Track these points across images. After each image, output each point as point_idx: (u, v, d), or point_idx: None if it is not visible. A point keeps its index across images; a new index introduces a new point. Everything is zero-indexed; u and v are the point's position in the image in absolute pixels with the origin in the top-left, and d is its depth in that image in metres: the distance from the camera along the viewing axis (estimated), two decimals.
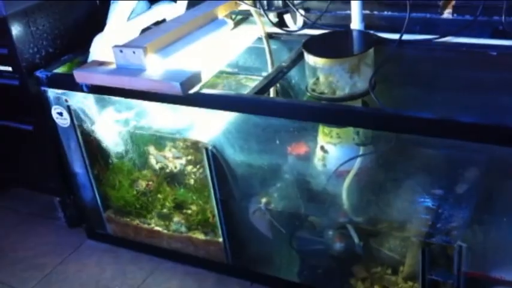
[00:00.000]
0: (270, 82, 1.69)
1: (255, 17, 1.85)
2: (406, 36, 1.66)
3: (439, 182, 1.53)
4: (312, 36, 1.74)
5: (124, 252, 2.09)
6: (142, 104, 1.78)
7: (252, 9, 1.84)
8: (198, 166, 1.85)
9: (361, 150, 1.61)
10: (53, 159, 2.04)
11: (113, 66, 1.70)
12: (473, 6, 1.61)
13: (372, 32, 1.73)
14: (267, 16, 1.86)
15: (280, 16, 1.89)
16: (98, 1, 2.05)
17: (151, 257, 2.04)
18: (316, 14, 1.84)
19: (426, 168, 1.53)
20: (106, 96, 1.81)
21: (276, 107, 1.55)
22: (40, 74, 1.86)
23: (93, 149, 1.97)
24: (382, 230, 1.62)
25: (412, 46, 1.68)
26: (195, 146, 1.78)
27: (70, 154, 2.01)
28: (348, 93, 1.59)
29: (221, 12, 1.83)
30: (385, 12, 1.76)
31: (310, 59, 1.60)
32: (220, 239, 1.87)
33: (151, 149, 1.91)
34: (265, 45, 1.86)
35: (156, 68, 1.63)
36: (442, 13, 1.70)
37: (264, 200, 1.76)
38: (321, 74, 1.61)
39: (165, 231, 1.98)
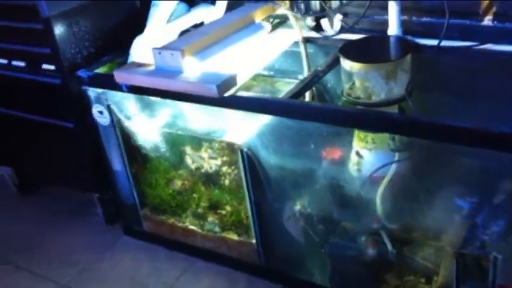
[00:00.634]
0: (305, 86, 1.69)
1: (292, 21, 1.85)
2: (444, 43, 1.63)
3: (475, 192, 1.50)
4: (349, 41, 1.73)
5: (159, 250, 2.13)
6: (179, 104, 1.81)
7: (290, 14, 1.85)
8: (233, 167, 1.86)
9: (396, 156, 1.59)
10: (92, 157, 2.09)
11: (152, 67, 1.73)
12: None
13: (409, 37, 1.71)
14: (304, 20, 1.86)
15: (317, 20, 1.88)
16: (138, 3, 2.09)
17: (186, 255, 2.07)
18: (353, 18, 1.84)
19: (462, 177, 1.50)
20: (145, 97, 1.85)
21: (310, 111, 1.55)
22: (81, 73, 1.92)
23: (132, 147, 2.01)
24: (416, 238, 1.61)
25: (450, 53, 1.65)
26: (231, 147, 1.80)
27: (109, 152, 2.06)
28: (383, 98, 1.58)
29: (259, 16, 1.84)
30: (424, 18, 1.74)
31: (346, 63, 1.60)
32: (253, 241, 1.88)
33: (188, 149, 1.94)
34: (301, 49, 1.86)
35: (193, 70, 1.65)
36: (482, 20, 1.66)
37: (297, 205, 1.76)
38: (356, 79, 1.60)
39: (199, 230, 2.01)
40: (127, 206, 2.15)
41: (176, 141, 1.94)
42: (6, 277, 2.09)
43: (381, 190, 1.60)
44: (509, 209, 1.46)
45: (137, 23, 1.93)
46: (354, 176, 1.67)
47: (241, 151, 1.71)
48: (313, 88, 1.86)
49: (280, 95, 1.74)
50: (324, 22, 1.86)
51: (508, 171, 1.43)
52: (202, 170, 1.94)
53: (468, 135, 1.29)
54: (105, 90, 1.90)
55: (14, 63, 2.03)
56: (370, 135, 1.60)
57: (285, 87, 1.90)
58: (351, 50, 1.62)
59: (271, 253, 1.88)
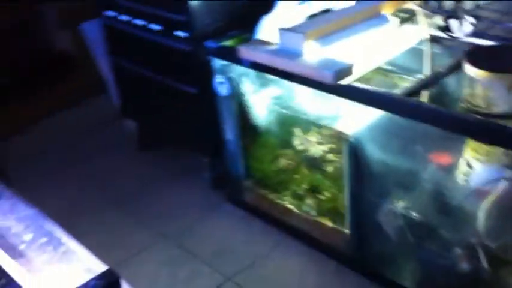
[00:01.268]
0: (423, 85, 1.65)
1: (421, 17, 1.80)
2: None
3: None
4: (477, 46, 1.66)
5: (256, 222, 2.20)
6: (295, 86, 1.84)
7: (420, 10, 1.79)
8: (338, 155, 1.87)
9: (509, 173, 1.52)
10: (209, 124, 2.19)
11: (275, 47, 1.78)
12: None
13: None
14: (433, 18, 1.80)
15: (446, 20, 1.81)
16: None
17: (279, 231, 2.13)
18: (485, 23, 1.74)
19: None
20: (264, 74, 1.91)
21: (425, 112, 1.52)
22: (209, 44, 2.01)
23: (245, 120, 2.09)
24: None
25: None
26: (338, 135, 1.81)
27: (225, 121, 2.15)
28: (505, 111, 1.50)
29: (387, 8, 1.81)
30: None
31: (470, 69, 1.53)
32: (347, 230, 1.89)
33: (297, 131, 1.98)
34: (426, 48, 1.81)
35: (313, 54, 1.67)
36: None
37: (397, 203, 1.74)
38: (479, 87, 1.54)
39: (296, 210, 2.06)
40: (233, 175, 2.24)
41: (287, 121, 1.99)
42: (112, 221, 2.28)
43: (486, 205, 1.54)
44: None
45: (266, 4, 1.98)
46: (460, 185, 1.61)
47: (348, 141, 1.72)
48: (431, 89, 1.81)
49: (396, 91, 1.71)
50: (454, 23, 1.79)
51: None
52: (308, 153, 1.97)
53: None
54: (228, 63, 1.98)
55: (151, 26, 2.18)
56: (484, 147, 1.53)
57: (403, 84, 1.86)
58: (477, 56, 1.55)
59: (363, 246, 1.88)
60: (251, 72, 1.95)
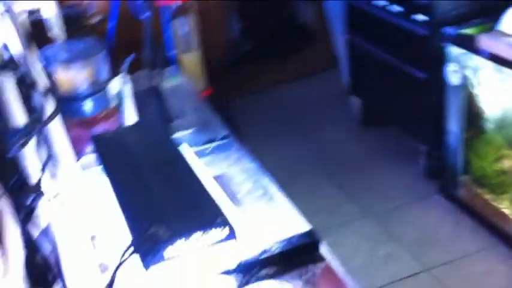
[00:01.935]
0: None
1: None
2: None
3: None
4: None
5: (466, 219, 2.12)
6: None
7: None
8: None
9: None
10: (434, 111, 2.15)
11: None
12: None
13: None
14: None
15: None
16: None
17: (491, 234, 2.02)
18: None
19: None
20: (502, 68, 1.80)
21: None
22: (448, 30, 1.95)
23: (473, 113, 2.00)
24: None
25: None
26: None
27: (450, 111, 2.09)
28: None
29: None
30: None
31: None
32: None
33: None
34: None
35: None
36: None
37: None
38: None
39: None
40: (449, 168, 2.18)
41: None
42: (322, 190, 2.40)
43: None
44: None
45: None
46: None
47: None
48: None
49: None
50: None
51: None
52: None
53: None
54: (465, 52, 1.91)
55: (392, 7, 2.19)
56: None
57: None
58: None
59: None
60: (488, 64, 1.85)
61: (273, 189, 1.19)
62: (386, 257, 2.01)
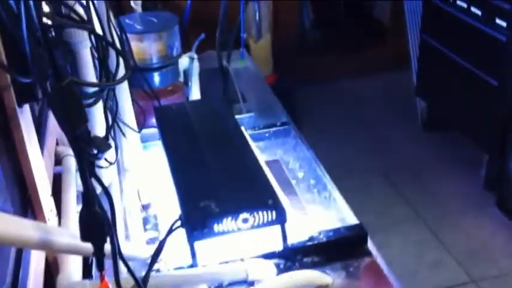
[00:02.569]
0: None
1: None
2: None
3: None
4: None
5: None
6: None
7: None
8: None
9: None
10: (501, 120, 2.08)
11: None
12: None
13: None
14: None
15: None
16: None
17: None
18: None
19: None
20: None
21: None
22: None
23: None
24: None
25: None
26: None
27: None
28: None
29: None
30: None
31: None
32: None
33: None
34: None
35: None
36: None
37: None
38: None
39: None
40: (509, 180, 2.11)
41: None
42: (377, 187, 2.37)
43: None
44: None
45: None
46: None
47: None
48: None
49: None
50: None
51: None
52: None
53: None
54: None
55: (472, 9, 2.12)
56: None
57: None
58: None
59: None
60: None
61: (326, 179, 1.19)
62: (434, 263, 1.98)
